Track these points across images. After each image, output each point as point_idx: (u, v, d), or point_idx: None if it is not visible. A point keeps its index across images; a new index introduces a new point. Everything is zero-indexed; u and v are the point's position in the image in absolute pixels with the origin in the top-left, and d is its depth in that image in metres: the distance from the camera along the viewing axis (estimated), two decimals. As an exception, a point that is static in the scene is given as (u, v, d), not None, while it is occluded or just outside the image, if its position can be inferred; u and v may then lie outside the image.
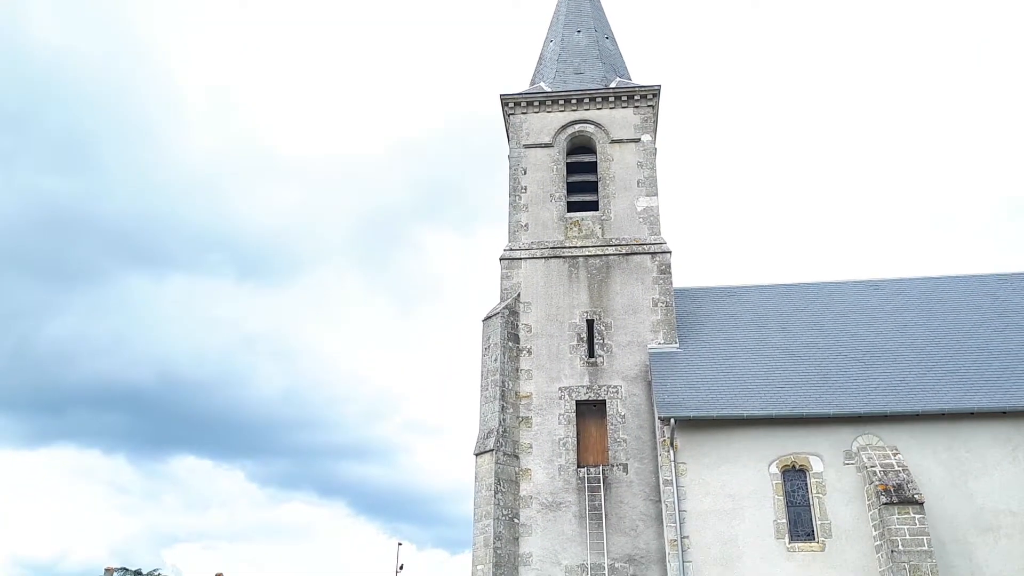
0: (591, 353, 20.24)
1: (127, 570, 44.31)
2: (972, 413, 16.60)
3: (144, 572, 45.98)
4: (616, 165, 22.32)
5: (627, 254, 21.21)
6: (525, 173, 22.47)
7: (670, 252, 21.05)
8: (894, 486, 15.54)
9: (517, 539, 18.34)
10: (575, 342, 20.37)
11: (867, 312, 20.66)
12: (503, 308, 20.62)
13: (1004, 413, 16.57)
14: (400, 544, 44.27)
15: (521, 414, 19.69)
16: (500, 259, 21.49)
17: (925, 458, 16.44)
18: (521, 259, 21.42)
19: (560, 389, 19.89)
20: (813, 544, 16.22)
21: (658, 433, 17.87)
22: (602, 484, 18.59)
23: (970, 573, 15.58)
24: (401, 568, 37.92)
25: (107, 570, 17.57)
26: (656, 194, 21.90)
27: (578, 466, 18.99)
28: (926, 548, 14.92)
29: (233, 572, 15.15)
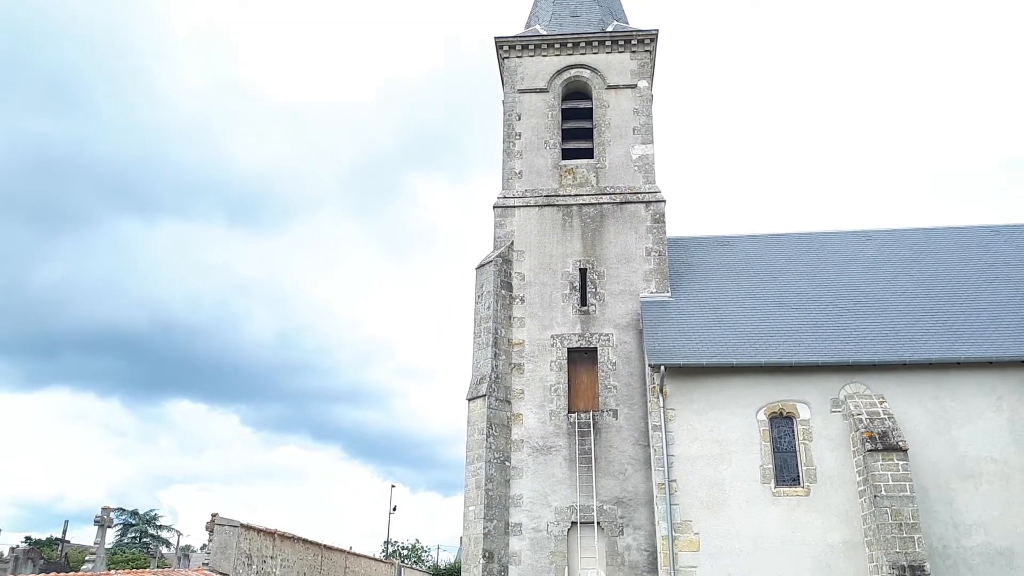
0: (583, 302, 20.32)
1: (124, 510, 45.09)
2: (959, 363, 16.78)
3: (140, 512, 46.88)
4: (612, 112, 22.06)
5: (621, 203, 21.12)
6: (519, 119, 22.20)
7: (664, 201, 20.98)
8: (879, 433, 15.79)
9: (508, 481, 18.68)
10: (568, 290, 20.44)
11: (859, 262, 20.71)
12: (496, 256, 20.61)
13: (990, 363, 16.76)
14: (393, 486, 45.20)
15: (513, 361, 19.86)
16: (493, 207, 21.40)
17: (911, 406, 16.66)
18: (515, 207, 21.33)
19: (552, 337, 20.03)
20: (798, 489, 16.55)
21: (648, 380, 18.05)
22: (592, 429, 18.87)
23: (950, 518, 15.95)
24: (395, 509, 38.82)
25: (104, 509, 17.91)
26: (652, 142, 21.70)
27: (569, 411, 19.25)
28: (908, 493, 15.23)
29: (229, 513, 15.56)
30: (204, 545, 16.40)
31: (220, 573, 15.03)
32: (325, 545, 21.40)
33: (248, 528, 16.13)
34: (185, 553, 33.29)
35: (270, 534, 17.23)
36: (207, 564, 15.37)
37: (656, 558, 17.20)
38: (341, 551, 23.56)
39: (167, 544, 42.10)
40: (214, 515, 15.73)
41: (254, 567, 16.32)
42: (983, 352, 16.82)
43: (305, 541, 19.68)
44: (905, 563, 14.62)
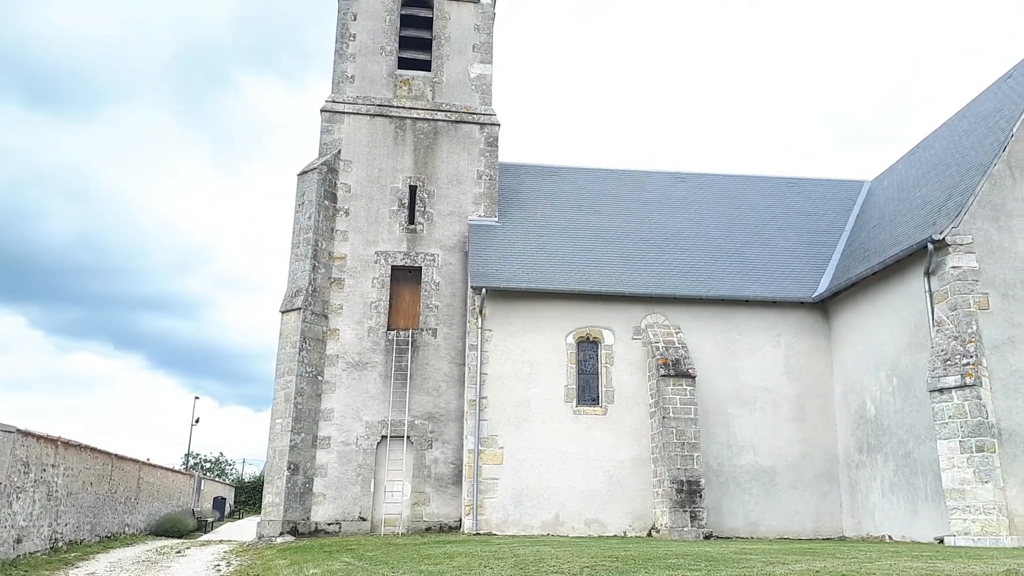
0: (411, 220, 20.09)
1: None
2: (747, 301, 18.37)
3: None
4: (453, 25, 21.50)
5: (456, 122, 20.85)
6: (355, 19, 21.07)
7: (499, 125, 20.96)
8: (673, 361, 17.07)
9: (320, 395, 18.42)
10: (396, 207, 20.07)
11: (672, 202, 21.94)
12: (321, 164, 19.76)
13: (774, 303, 18.49)
14: (197, 398, 43.51)
15: (334, 275, 19.36)
16: (321, 111, 20.37)
17: (703, 338, 18.10)
18: (344, 113, 20.43)
19: (376, 253, 19.69)
20: (597, 408, 17.63)
21: (469, 301, 18.28)
22: (410, 347, 18.94)
23: (726, 439, 17.69)
24: (197, 422, 37.34)
25: None
26: (491, 62, 21.47)
27: (388, 329, 19.16)
28: (692, 416, 16.67)
29: (12, 422, 14.00)
30: (-26, 454, 14.78)
31: (-11, 482, 13.73)
32: (116, 455, 20.15)
33: (26, 434, 14.76)
34: (-49, 463, 30.16)
35: (52, 441, 15.90)
36: (-26, 472, 13.95)
37: (462, 471, 17.79)
38: (134, 461, 22.32)
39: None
40: (-17, 419, 14.24)
41: (32, 475, 15.06)
42: (768, 292, 18.50)
43: (93, 450, 18.39)
44: (684, 478, 16.10)
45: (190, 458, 42.09)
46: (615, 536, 16.41)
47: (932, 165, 18.23)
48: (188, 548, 17.85)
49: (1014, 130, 14.84)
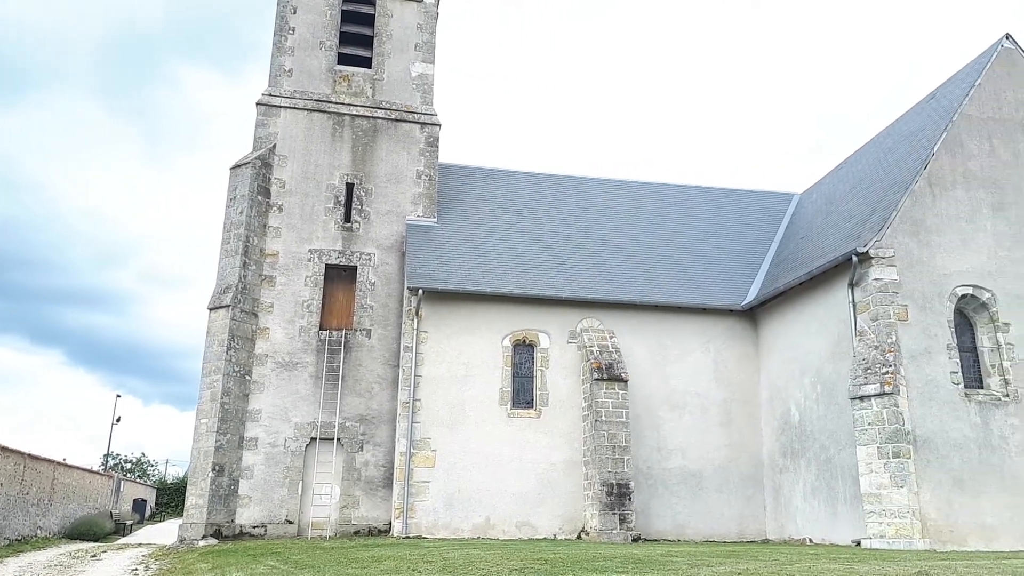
0: (347, 218, 19.79)
1: None
2: (679, 307, 18.67)
3: None
4: (395, 23, 21.30)
5: (396, 120, 20.65)
6: (295, 12, 20.67)
7: (440, 125, 20.84)
8: (606, 365, 17.23)
9: (247, 395, 17.95)
10: (332, 204, 19.73)
11: (609, 209, 22.17)
12: (255, 158, 19.29)
13: (704, 310, 18.84)
14: (119, 396, 41.87)
15: (265, 272, 18.92)
16: (256, 104, 19.89)
17: (636, 342, 18.31)
18: (281, 107, 20.00)
19: (310, 251, 19.32)
20: (531, 411, 17.64)
21: (405, 302, 18.09)
22: (343, 347, 18.63)
23: (656, 443, 17.93)
24: (118, 420, 35.98)
25: None
26: (433, 62, 21.33)
27: (321, 329, 18.81)
28: (624, 420, 16.83)
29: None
30: None
31: None
32: (29, 454, 19.21)
33: (-73, 433, 13.96)
34: None
35: (-43, 440, 15.06)
36: None
37: (393, 473, 17.57)
38: (49, 461, 21.32)
39: None
40: None
41: (-67, 477, 14.23)
42: (699, 300, 18.84)
43: (4, 449, 17.49)
44: (614, 481, 16.24)
45: (109, 458, 40.52)
46: (545, 539, 16.44)
47: (859, 180, 18.90)
48: (104, 552, 17.14)
49: (935, 149, 15.52)
